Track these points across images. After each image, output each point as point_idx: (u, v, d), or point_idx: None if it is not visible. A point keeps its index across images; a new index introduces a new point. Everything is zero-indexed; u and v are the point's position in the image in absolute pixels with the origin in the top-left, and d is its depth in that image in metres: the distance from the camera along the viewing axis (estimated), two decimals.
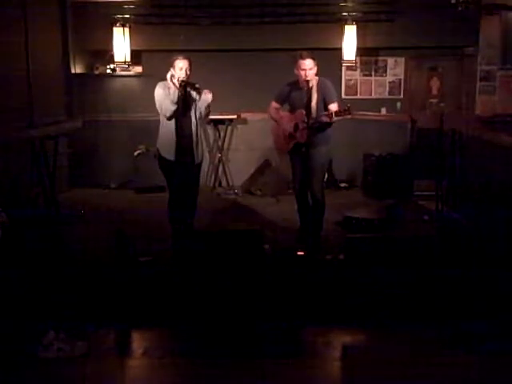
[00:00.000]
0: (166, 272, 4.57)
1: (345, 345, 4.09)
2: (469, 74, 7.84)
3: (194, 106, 5.21)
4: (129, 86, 8.16)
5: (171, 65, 5.14)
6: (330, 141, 5.27)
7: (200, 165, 5.43)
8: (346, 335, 4.19)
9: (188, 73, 5.13)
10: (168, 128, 5.14)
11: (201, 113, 5.24)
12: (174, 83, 5.06)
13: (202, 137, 5.37)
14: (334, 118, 4.97)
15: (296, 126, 5.18)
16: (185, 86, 5.14)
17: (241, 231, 5.12)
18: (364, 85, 8.23)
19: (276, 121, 5.41)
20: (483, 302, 4.19)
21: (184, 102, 5.13)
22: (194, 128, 5.22)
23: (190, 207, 5.38)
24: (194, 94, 5.20)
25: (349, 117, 4.98)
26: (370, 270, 4.41)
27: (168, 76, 5.10)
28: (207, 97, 5.19)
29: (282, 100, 5.39)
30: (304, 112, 5.05)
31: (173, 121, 5.12)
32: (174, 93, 5.04)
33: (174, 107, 5.04)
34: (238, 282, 4.38)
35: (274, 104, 5.43)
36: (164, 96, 5.07)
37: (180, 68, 5.10)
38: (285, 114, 5.37)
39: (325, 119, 4.98)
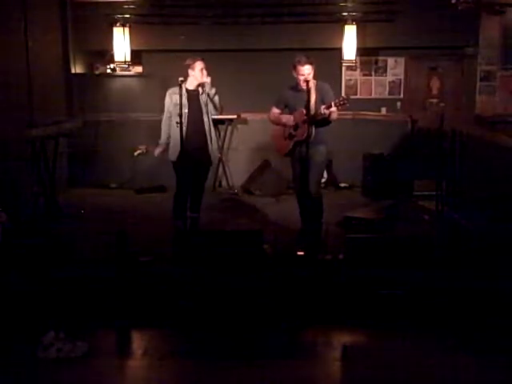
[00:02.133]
0: (165, 272, 4.58)
1: (345, 345, 4.09)
2: (469, 74, 7.84)
3: (206, 107, 5.29)
4: (129, 86, 8.16)
5: (190, 67, 5.21)
6: (328, 141, 5.28)
7: (211, 164, 5.51)
8: (346, 335, 4.19)
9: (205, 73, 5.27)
10: (178, 129, 5.18)
11: (215, 106, 5.39)
12: (186, 89, 5.19)
13: (215, 137, 5.46)
14: (333, 109, 4.96)
15: (296, 126, 5.20)
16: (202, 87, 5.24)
17: (241, 231, 5.12)
18: (364, 85, 8.23)
19: (276, 123, 5.42)
20: (483, 302, 4.19)
21: (197, 104, 5.21)
22: (206, 127, 5.32)
23: (197, 202, 5.43)
24: (207, 95, 5.27)
25: (347, 108, 4.97)
26: (370, 270, 4.41)
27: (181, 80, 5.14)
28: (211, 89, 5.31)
29: (282, 105, 5.41)
30: (304, 111, 5.06)
31: (184, 121, 5.18)
32: (183, 100, 5.11)
33: (177, 108, 5.11)
34: (238, 282, 4.38)
35: (275, 110, 5.44)
36: (172, 105, 5.23)
37: (200, 69, 5.22)
38: (284, 115, 5.39)
39: (324, 111, 4.97)
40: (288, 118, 5.30)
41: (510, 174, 5.60)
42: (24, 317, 4.11)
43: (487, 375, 3.58)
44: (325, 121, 5.13)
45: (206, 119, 5.32)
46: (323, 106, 5.01)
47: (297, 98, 5.20)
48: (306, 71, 5.09)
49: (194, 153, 5.24)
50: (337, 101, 4.95)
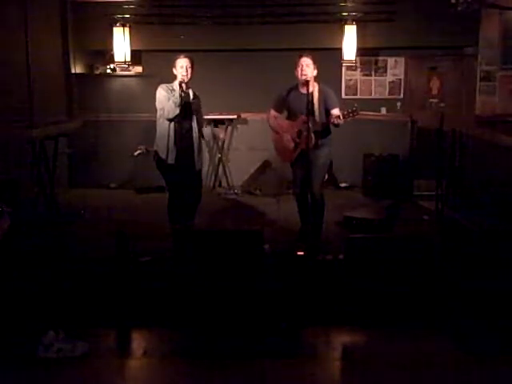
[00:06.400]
0: (166, 272, 4.57)
1: (345, 345, 4.09)
2: (469, 74, 7.83)
3: (194, 111, 5.21)
4: (129, 86, 8.16)
5: (173, 65, 5.14)
6: (331, 142, 5.26)
7: (200, 171, 5.42)
8: (346, 335, 4.20)
9: (189, 71, 5.12)
10: (166, 130, 5.12)
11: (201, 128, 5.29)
12: (180, 86, 5.07)
13: (203, 144, 5.39)
14: (341, 121, 4.94)
15: (299, 133, 5.14)
16: (184, 87, 5.12)
17: (241, 231, 5.11)
18: (364, 85, 8.23)
19: (276, 131, 5.35)
20: (483, 302, 4.19)
21: (184, 104, 5.12)
22: (194, 134, 5.21)
23: (191, 210, 5.37)
24: (194, 100, 5.21)
25: (357, 116, 4.96)
26: (370, 270, 4.41)
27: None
28: (208, 132, 5.25)
29: (280, 107, 5.34)
30: (305, 118, 4.98)
31: (171, 123, 5.11)
32: (179, 95, 5.05)
33: (177, 109, 5.04)
34: (238, 282, 4.38)
35: (273, 112, 5.37)
36: (167, 97, 5.07)
37: (180, 66, 5.11)
38: (284, 122, 5.31)
39: (337, 121, 4.93)
40: (288, 139, 5.20)
41: (510, 174, 5.60)
42: (24, 317, 4.11)
43: (487, 375, 3.58)
44: (328, 128, 5.11)
45: (194, 124, 5.19)
46: (335, 114, 4.96)
47: (298, 100, 5.13)
48: (304, 62, 5.03)
49: (178, 154, 5.13)
50: (346, 112, 4.92)
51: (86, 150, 7.93)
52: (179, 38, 7.74)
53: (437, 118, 6.41)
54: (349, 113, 4.90)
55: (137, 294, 4.36)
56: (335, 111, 5.04)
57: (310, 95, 5.00)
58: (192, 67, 5.15)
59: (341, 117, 4.91)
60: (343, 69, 8.14)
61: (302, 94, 5.11)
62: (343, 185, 7.99)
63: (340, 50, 7.84)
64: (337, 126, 5.00)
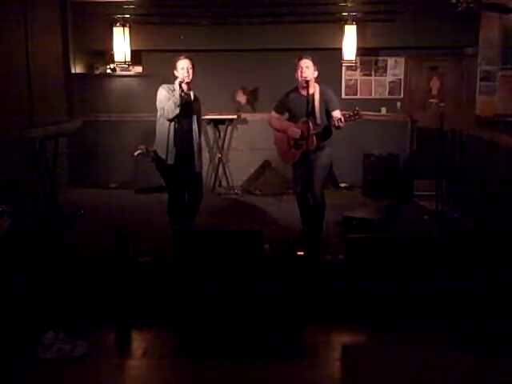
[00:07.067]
0: (165, 272, 4.57)
1: (345, 345, 4.09)
2: (469, 74, 7.84)
3: (194, 112, 5.21)
4: (129, 86, 8.16)
5: (174, 67, 5.14)
6: (332, 143, 5.25)
7: (200, 173, 5.42)
8: (347, 335, 4.19)
9: (190, 72, 5.12)
10: (166, 130, 5.12)
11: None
12: (180, 86, 5.07)
13: (204, 145, 5.37)
14: (342, 124, 4.95)
15: (302, 135, 5.14)
16: (184, 88, 5.12)
17: (241, 231, 5.12)
18: (364, 85, 8.23)
19: (279, 131, 5.33)
20: (483, 302, 4.19)
21: (185, 105, 5.12)
22: (194, 136, 5.21)
23: (191, 210, 5.37)
24: (194, 101, 5.21)
25: (359, 120, 4.96)
26: (370, 270, 4.41)
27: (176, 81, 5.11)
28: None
29: (282, 109, 5.34)
30: (307, 120, 4.97)
31: (172, 124, 5.11)
32: (179, 96, 5.05)
33: (177, 110, 5.04)
34: (238, 282, 4.38)
35: (275, 114, 5.37)
36: (168, 97, 5.06)
37: (181, 68, 5.10)
38: (287, 123, 5.31)
39: (338, 124, 4.93)
40: (293, 130, 5.17)
41: (510, 174, 5.60)
42: (24, 317, 4.11)
43: (487, 375, 3.58)
44: (330, 130, 5.11)
45: (194, 126, 5.19)
46: (337, 118, 4.96)
47: (298, 103, 5.12)
48: (304, 64, 5.03)
49: (179, 154, 5.13)
50: (347, 115, 4.93)
51: (86, 149, 7.94)
52: (179, 38, 7.75)
53: (437, 118, 6.40)
54: (350, 116, 4.91)
55: (137, 294, 4.35)
56: (336, 113, 5.04)
57: (310, 97, 5.01)
58: (193, 68, 5.15)
59: (342, 119, 4.91)
60: (343, 69, 8.14)
61: (302, 95, 5.11)
62: (343, 185, 8.00)
63: (340, 49, 7.84)
64: (338, 128, 5.00)
